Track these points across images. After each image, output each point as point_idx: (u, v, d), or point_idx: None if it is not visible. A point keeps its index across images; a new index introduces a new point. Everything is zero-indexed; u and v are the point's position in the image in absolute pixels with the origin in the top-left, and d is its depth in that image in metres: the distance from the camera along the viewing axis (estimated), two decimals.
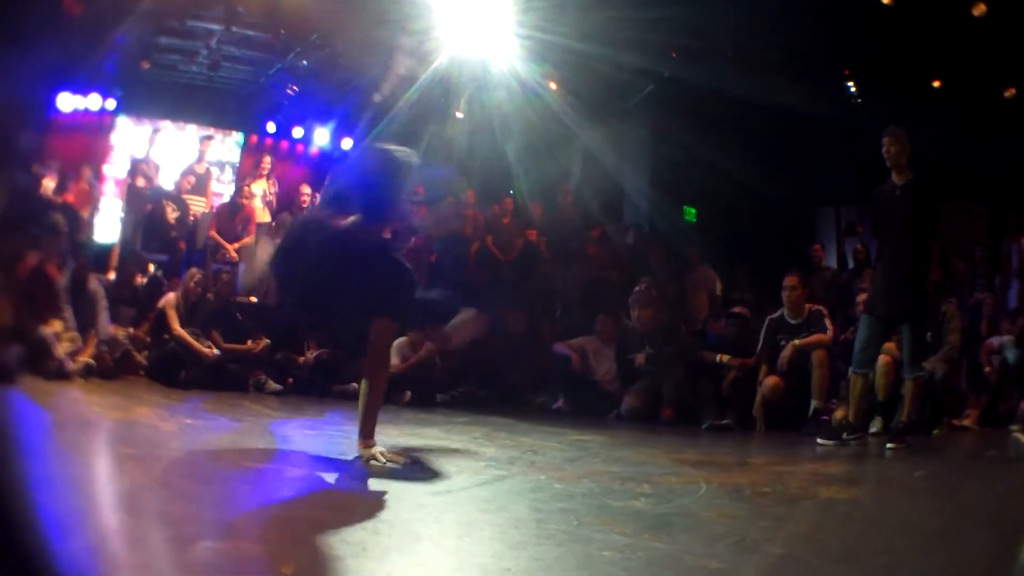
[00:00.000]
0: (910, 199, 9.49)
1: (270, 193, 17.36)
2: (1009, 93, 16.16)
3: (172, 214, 15.94)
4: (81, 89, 16.91)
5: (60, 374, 10.36)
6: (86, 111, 17.24)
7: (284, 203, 17.24)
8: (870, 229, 10.11)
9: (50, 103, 16.16)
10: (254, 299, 14.27)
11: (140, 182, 16.69)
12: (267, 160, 17.98)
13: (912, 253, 9.47)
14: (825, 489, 6.46)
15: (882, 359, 11.32)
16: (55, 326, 10.74)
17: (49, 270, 11.15)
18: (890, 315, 9.64)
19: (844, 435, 9.76)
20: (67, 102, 16.88)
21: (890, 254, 9.69)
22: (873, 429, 11.09)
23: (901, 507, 5.94)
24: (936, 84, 16.58)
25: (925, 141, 15.29)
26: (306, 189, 16.71)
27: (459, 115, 17.64)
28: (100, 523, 3.64)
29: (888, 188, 9.75)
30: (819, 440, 9.91)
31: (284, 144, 19.49)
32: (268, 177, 17.63)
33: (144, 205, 16.21)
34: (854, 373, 9.93)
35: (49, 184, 14.48)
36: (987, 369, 10.60)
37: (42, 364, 10.27)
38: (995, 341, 10.19)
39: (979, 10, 13.88)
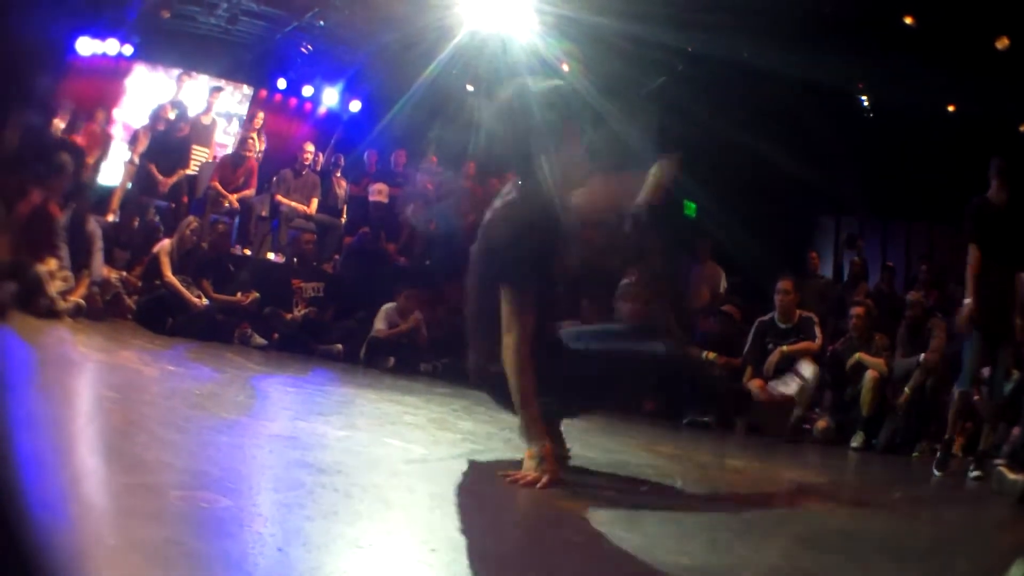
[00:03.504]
0: (1011, 220, 9.33)
1: (258, 149, 17.36)
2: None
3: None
4: (100, 34, 16.98)
5: (50, 312, 10.42)
6: (103, 55, 17.37)
7: (285, 160, 17.23)
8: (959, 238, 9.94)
9: (69, 46, 16.20)
10: (248, 252, 14.35)
11: (161, 127, 16.71)
12: (260, 116, 17.97)
13: (1013, 276, 9.32)
14: (801, 497, 6.51)
15: (869, 374, 11.43)
16: (50, 264, 10.79)
17: (51, 209, 11.19)
18: (992, 332, 9.46)
19: (971, 471, 9.35)
20: (86, 46, 17.00)
21: (992, 274, 9.38)
22: (854, 444, 11.28)
23: (878, 526, 5.84)
24: (951, 108, 16.59)
25: (939, 166, 15.35)
26: (310, 147, 16.80)
27: (470, 88, 17.74)
28: (74, 465, 3.65)
29: (987, 206, 9.53)
30: (935, 471, 9.61)
31: (293, 101, 19.63)
32: (259, 132, 17.57)
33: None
34: (965, 392, 9.80)
35: (60, 124, 14.52)
36: (976, 397, 10.59)
37: (34, 301, 10.33)
38: (987, 370, 10.18)
39: (1002, 43, 13.88)
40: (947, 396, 11.53)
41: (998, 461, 8.56)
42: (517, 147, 5.22)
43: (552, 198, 5.21)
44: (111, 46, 17.50)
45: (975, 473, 9.03)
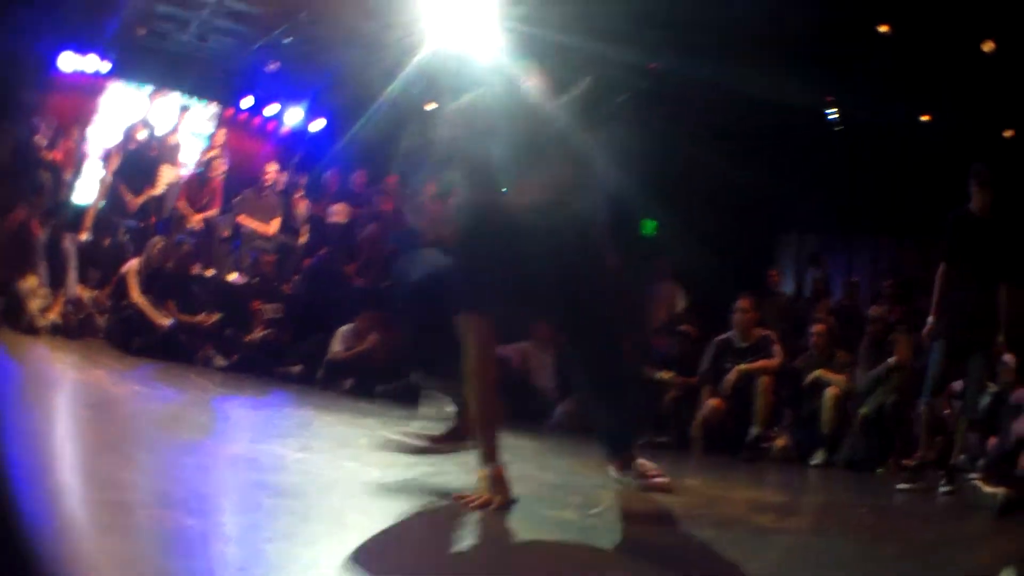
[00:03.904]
0: (994, 234, 9.35)
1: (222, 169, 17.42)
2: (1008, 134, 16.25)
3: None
4: (81, 49, 17.07)
5: (30, 329, 10.60)
6: (83, 72, 17.44)
7: (248, 179, 17.30)
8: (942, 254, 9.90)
9: (52, 62, 16.31)
10: (210, 272, 14.45)
11: (132, 146, 16.81)
12: (222, 133, 18.19)
13: (993, 289, 9.31)
14: (760, 517, 6.40)
15: (829, 391, 11.38)
16: (31, 282, 10.92)
17: (32, 226, 11.32)
18: (966, 343, 9.43)
19: (942, 485, 9.25)
20: (68, 61, 17.09)
21: (970, 285, 9.45)
22: (815, 461, 11.15)
23: (842, 543, 5.77)
24: (925, 118, 16.66)
25: (905, 179, 15.39)
26: (272, 167, 16.81)
27: (431, 106, 17.84)
28: (53, 482, 3.78)
29: (967, 217, 9.53)
30: (899, 486, 9.52)
31: (257, 120, 19.58)
32: (221, 150, 17.67)
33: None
34: (931, 403, 9.82)
35: (42, 140, 14.64)
36: (947, 411, 10.60)
37: (16, 317, 10.49)
38: (957, 385, 10.18)
39: (988, 47, 13.97)
40: (912, 412, 11.63)
41: (973, 475, 8.69)
42: (466, 158, 5.16)
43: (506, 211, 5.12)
44: (91, 62, 17.51)
45: (946, 488, 8.93)
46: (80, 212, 14.86)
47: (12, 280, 10.67)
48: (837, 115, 17.58)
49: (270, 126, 19.80)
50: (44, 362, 9.19)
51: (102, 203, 15.64)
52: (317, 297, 13.89)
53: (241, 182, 17.23)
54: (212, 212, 16.10)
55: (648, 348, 13.31)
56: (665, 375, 12.09)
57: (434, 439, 5.55)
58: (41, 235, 11.53)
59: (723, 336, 12.07)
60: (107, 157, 16.42)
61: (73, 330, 11.77)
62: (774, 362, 11.69)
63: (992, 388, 11.14)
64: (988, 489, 7.54)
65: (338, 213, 17.61)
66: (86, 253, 13.20)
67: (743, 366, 11.57)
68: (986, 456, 10.36)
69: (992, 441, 10.78)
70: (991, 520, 7.16)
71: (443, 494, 5.22)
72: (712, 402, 11.54)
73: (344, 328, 12.87)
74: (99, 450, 4.73)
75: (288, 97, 19.49)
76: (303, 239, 16.98)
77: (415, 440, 5.57)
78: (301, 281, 15.21)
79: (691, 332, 12.84)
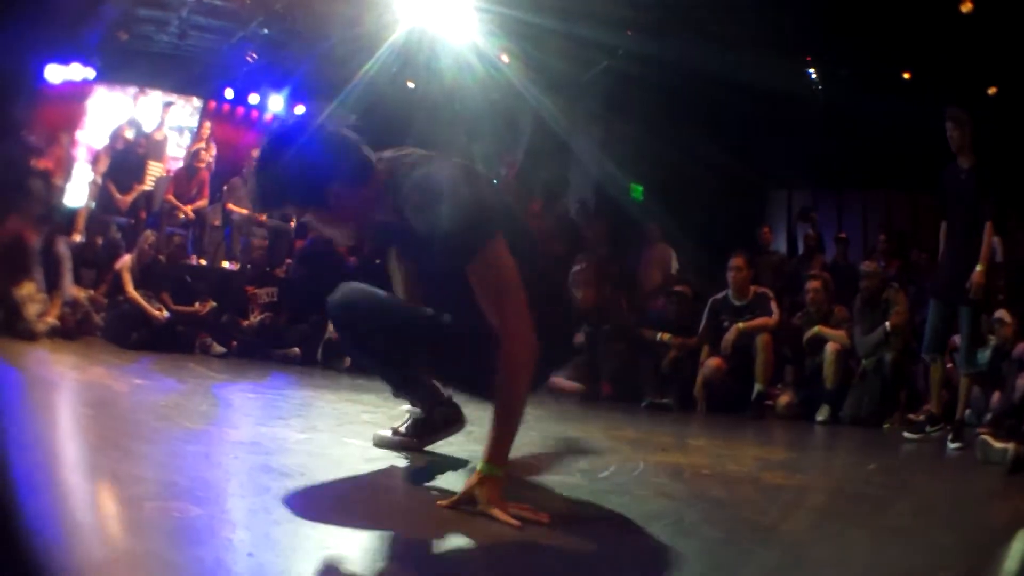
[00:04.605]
0: (974, 183, 9.37)
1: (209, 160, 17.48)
2: (992, 91, 16.24)
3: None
4: (65, 59, 17.22)
5: (29, 335, 10.64)
6: (69, 81, 17.60)
7: (235, 168, 17.38)
8: (940, 209, 9.94)
9: (39, 73, 16.41)
10: (203, 261, 14.51)
11: (120, 146, 16.93)
12: (207, 126, 18.31)
13: (977, 238, 9.26)
14: (769, 474, 6.38)
15: (830, 347, 11.37)
16: (27, 288, 10.96)
17: (26, 234, 11.36)
18: (950, 299, 9.54)
19: (928, 428, 9.66)
20: (55, 72, 17.28)
21: (954, 239, 9.57)
22: (820, 418, 11.18)
23: (851, 500, 5.76)
24: (906, 76, 16.63)
25: (892, 133, 15.37)
26: (256, 154, 16.92)
27: (411, 84, 17.84)
28: (59, 482, 3.77)
29: (953, 171, 9.60)
30: (905, 435, 9.83)
31: (240, 110, 19.78)
32: (208, 142, 17.78)
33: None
34: (929, 359, 9.88)
35: (32, 151, 14.70)
36: (949, 366, 10.57)
37: (14, 325, 10.56)
38: (958, 339, 10.17)
39: (966, 7, 13.93)
40: (914, 366, 11.63)
41: (981, 429, 8.44)
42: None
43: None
44: (75, 71, 17.72)
45: (954, 443, 8.97)
46: (72, 215, 14.89)
47: (9, 289, 10.73)
48: (816, 74, 17.55)
49: (253, 115, 19.90)
50: (44, 366, 9.20)
51: (92, 204, 15.71)
52: (311, 278, 13.89)
53: (228, 171, 17.35)
54: (201, 203, 16.19)
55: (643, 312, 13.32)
56: (664, 336, 12.12)
57: (415, 431, 5.46)
58: (35, 242, 11.56)
59: (719, 295, 12.11)
60: (95, 159, 16.52)
61: (70, 331, 11.85)
62: (772, 319, 11.71)
63: (992, 341, 11.14)
64: (998, 445, 7.40)
65: None
66: (80, 254, 13.24)
67: (742, 324, 11.62)
68: (991, 411, 10.07)
69: (996, 396, 10.60)
70: (1002, 476, 7.07)
71: (448, 466, 5.22)
72: (712, 362, 11.61)
73: None
74: (102, 447, 4.70)
75: (269, 85, 19.57)
76: (294, 222, 17.03)
77: (400, 437, 5.49)
78: (294, 264, 15.24)
79: (686, 292, 12.82)
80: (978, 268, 9.24)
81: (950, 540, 4.57)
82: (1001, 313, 11.27)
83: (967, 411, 10.09)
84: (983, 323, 10.83)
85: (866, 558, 4.02)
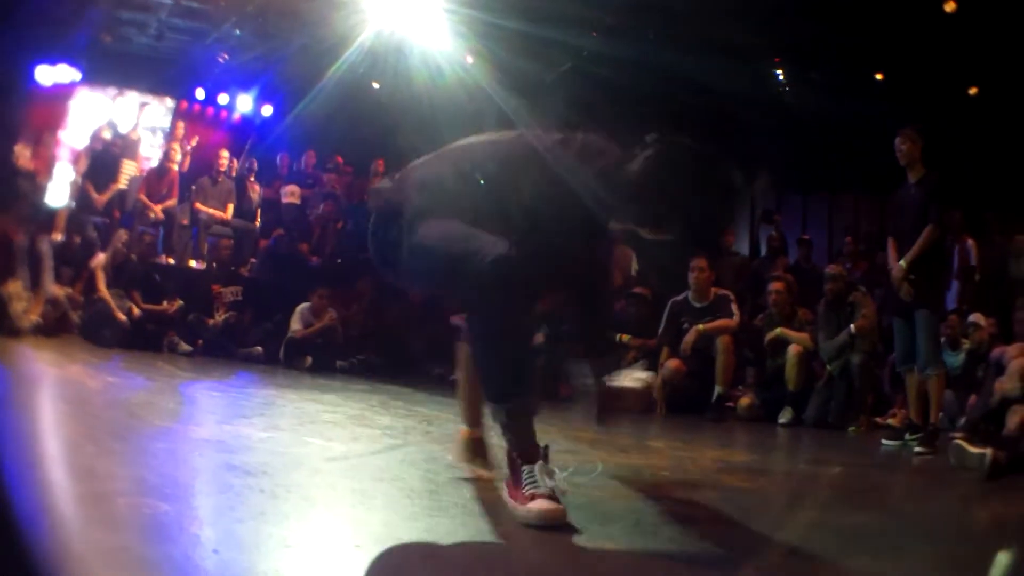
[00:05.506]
0: (922, 194, 9.50)
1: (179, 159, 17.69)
2: (972, 91, 16.37)
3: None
4: (53, 61, 17.43)
5: (13, 331, 10.82)
6: (57, 83, 17.82)
7: (202, 167, 17.51)
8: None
9: (29, 76, 16.51)
10: (172, 260, 14.64)
11: (99, 146, 17.17)
12: (180, 126, 18.54)
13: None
14: (729, 477, 6.47)
15: (792, 349, 11.44)
16: (13, 286, 11.13)
17: (12, 233, 11.51)
18: (904, 310, 9.61)
19: (907, 436, 9.67)
20: (44, 74, 17.49)
21: (903, 251, 9.59)
22: (783, 420, 11.29)
23: (814, 504, 5.63)
24: (879, 77, 16.72)
25: (862, 136, 15.43)
26: (225, 154, 17.27)
27: (376, 85, 17.96)
28: (39, 477, 3.90)
29: (904, 187, 9.77)
30: (883, 442, 9.88)
31: (210, 110, 19.95)
32: (180, 143, 18.05)
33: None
34: (903, 372, 9.91)
35: (21, 152, 14.82)
36: None
37: (1, 321, 10.73)
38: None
39: (950, 7, 14.02)
40: (880, 370, 11.74)
41: (955, 434, 8.59)
42: None
43: None
44: (62, 72, 17.88)
45: (919, 449, 9.05)
46: (53, 214, 15.02)
47: None
48: (783, 75, 17.60)
49: (223, 115, 20.05)
50: (26, 362, 9.38)
51: (72, 203, 15.82)
52: (275, 278, 14.05)
53: (198, 171, 17.44)
54: (171, 202, 16.31)
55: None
56: (623, 338, 12.17)
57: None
58: (21, 240, 11.71)
59: (679, 297, 12.18)
60: (76, 159, 16.64)
61: (51, 328, 12.17)
62: (732, 321, 11.78)
63: (967, 345, 11.26)
64: (974, 450, 7.31)
65: (291, 194, 17.86)
66: (59, 253, 13.41)
67: (701, 326, 11.68)
68: (967, 415, 10.32)
69: (972, 400, 10.78)
70: (979, 482, 7.01)
71: (409, 465, 5.34)
72: (672, 363, 11.72)
73: (302, 306, 13.19)
74: (79, 443, 4.86)
75: (238, 85, 19.72)
76: (258, 222, 17.18)
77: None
78: (259, 263, 15.37)
79: (646, 294, 12.93)
80: (900, 263, 9.46)
81: (919, 548, 4.53)
82: (976, 316, 11.42)
83: (940, 414, 10.04)
84: (957, 327, 11.00)
85: (832, 562, 3.98)
